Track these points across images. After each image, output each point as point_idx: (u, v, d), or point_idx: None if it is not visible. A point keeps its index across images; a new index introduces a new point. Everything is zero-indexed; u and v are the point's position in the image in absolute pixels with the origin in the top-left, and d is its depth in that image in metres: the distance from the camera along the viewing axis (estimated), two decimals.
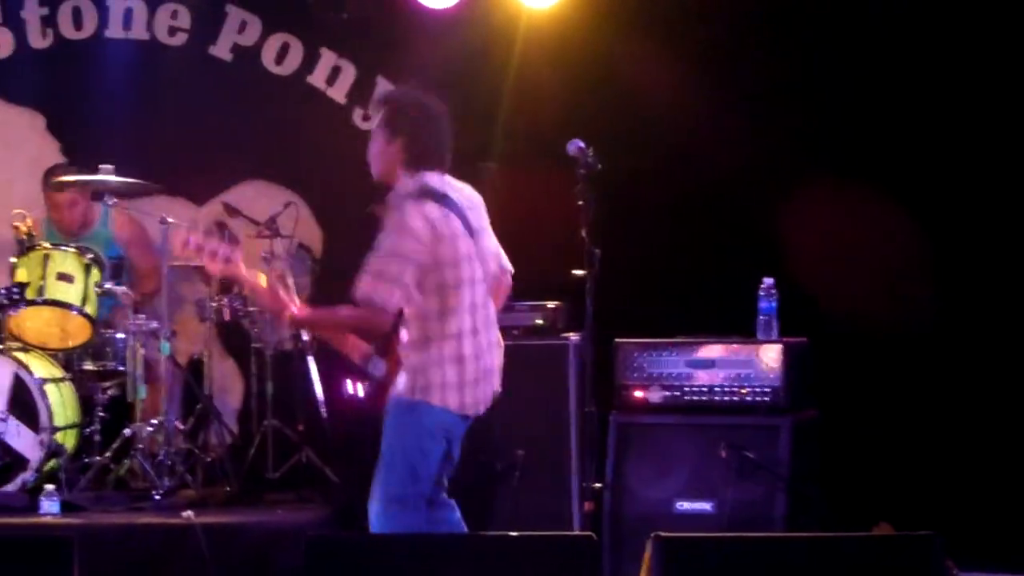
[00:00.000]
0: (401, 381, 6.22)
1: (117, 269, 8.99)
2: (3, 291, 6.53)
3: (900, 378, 8.49)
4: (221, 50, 9.86)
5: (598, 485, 7.09)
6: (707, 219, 8.87)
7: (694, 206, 8.86)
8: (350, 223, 9.51)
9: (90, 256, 8.65)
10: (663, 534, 5.31)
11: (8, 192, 9.63)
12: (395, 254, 6.14)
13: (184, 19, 9.87)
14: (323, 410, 8.72)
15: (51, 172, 9.24)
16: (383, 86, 9.71)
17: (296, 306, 6.28)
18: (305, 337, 8.81)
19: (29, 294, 8.47)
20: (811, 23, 8.81)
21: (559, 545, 5.74)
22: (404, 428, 6.23)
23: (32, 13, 9.86)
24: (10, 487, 8.23)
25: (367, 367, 6.20)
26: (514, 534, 5.84)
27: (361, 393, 6.29)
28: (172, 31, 9.88)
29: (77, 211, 9.19)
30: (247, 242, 9.34)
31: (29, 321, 8.56)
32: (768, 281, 7.95)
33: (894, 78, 8.68)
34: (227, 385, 9.63)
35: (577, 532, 7.12)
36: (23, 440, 8.25)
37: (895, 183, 8.53)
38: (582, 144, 6.75)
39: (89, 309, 8.54)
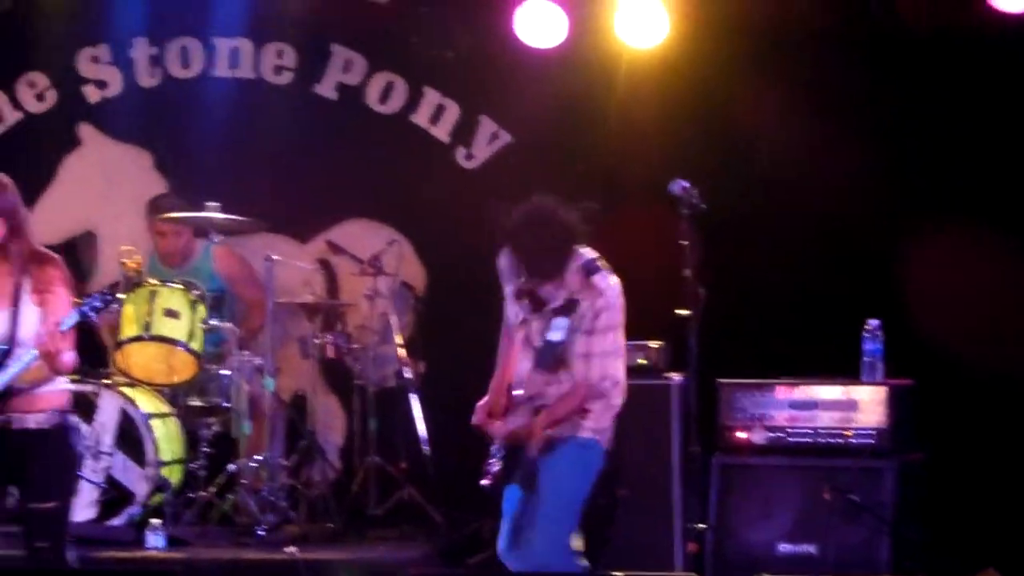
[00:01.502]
0: (582, 423, 6.31)
1: (218, 303, 9.07)
2: (98, 296, 6.56)
3: (1010, 421, 8.39)
4: (326, 89, 9.93)
5: (701, 526, 7.06)
6: (812, 260, 8.83)
7: (798, 247, 8.82)
8: (453, 261, 9.57)
9: (196, 292, 8.73)
10: None
11: (115, 229, 9.74)
12: (618, 327, 6.35)
13: (290, 58, 9.95)
14: (426, 448, 8.72)
15: (157, 201, 9.35)
16: (486, 125, 9.75)
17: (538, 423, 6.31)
18: (408, 375, 8.83)
19: (136, 330, 8.56)
20: (919, 62, 8.76)
21: None
22: (583, 466, 6.31)
23: (141, 52, 9.99)
24: (117, 521, 8.33)
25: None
26: (619, 575, 5.83)
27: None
28: (278, 70, 9.97)
29: (181, 241, 9.29)
30: (350, 280, 9.43)
31: (135, 356, 8.64)
32: (873, 323, 7.90)
33: (1008, 120, 8.61)
34: (330, 422, 9.67)
35: (680, 573, 7.09)
36: (130, 474, 8.34)
37: (1005, 225, 8.45)
38: (686, 184, 6.74)
39: (195, 345, 8.61)
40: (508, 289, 6.63)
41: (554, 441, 6.29)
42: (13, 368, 6.40)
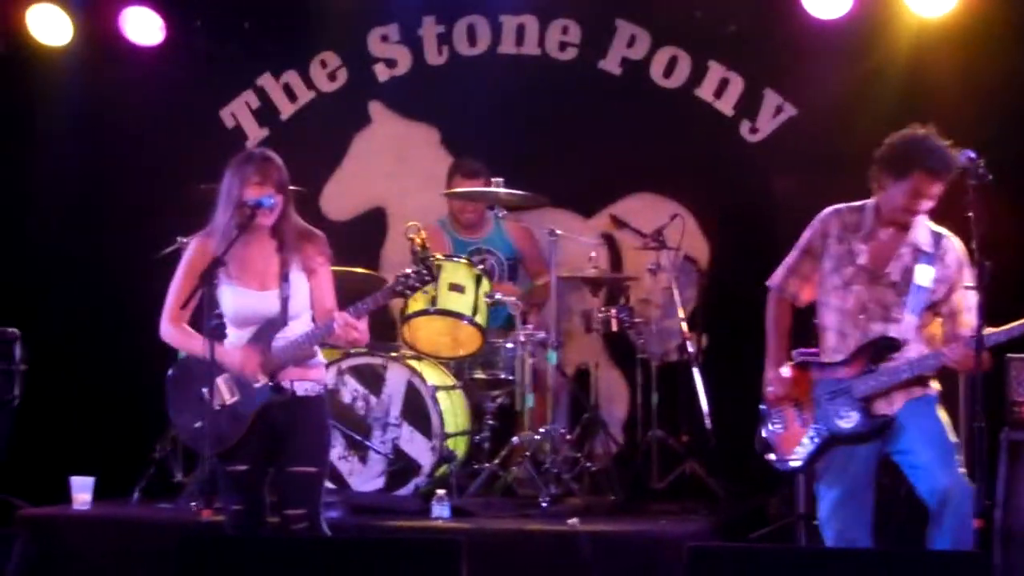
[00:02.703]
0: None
1: (513, 270, 9.16)
2: (413, 272, 6.68)
3: None
4: (611, 64, 9.95)
5: (988, 502, 6.90)
6: None
7: None
8: (737, 235, 9.52)
9: (481, 267, 8.83)
10: None
11: (403, 205, 9.93)
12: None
13: (575, 34, 10.00)
14: (708, 422, 8.68)
15: (458, 165, 9.50)
16: (771, 98, 9.66)
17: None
18: (691, 349, 8.81)
19: (422, 304, 8.69)
20: None
21: (950, 562, 5.63)
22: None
23: (429, 31, 10.16)
24: (403, 491, 8.46)
25: None
26: (906, 550, 5.75)
27: None
28: (563, 46, 10.03)
29: (480, 208, 9.41)
30: (633, 254, 9.45)
31: (422, 330, 8.77)
32: None
33: None
34: (613, 395, 9.72)
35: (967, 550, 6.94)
36: (416, 446, 8.47)
37: None
38: (973, 155, 6.58)
39: (479, 319, 8.71)
40: (836, 248, 6.62)
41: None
42: (300, 340, 6.59)
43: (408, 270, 6.74)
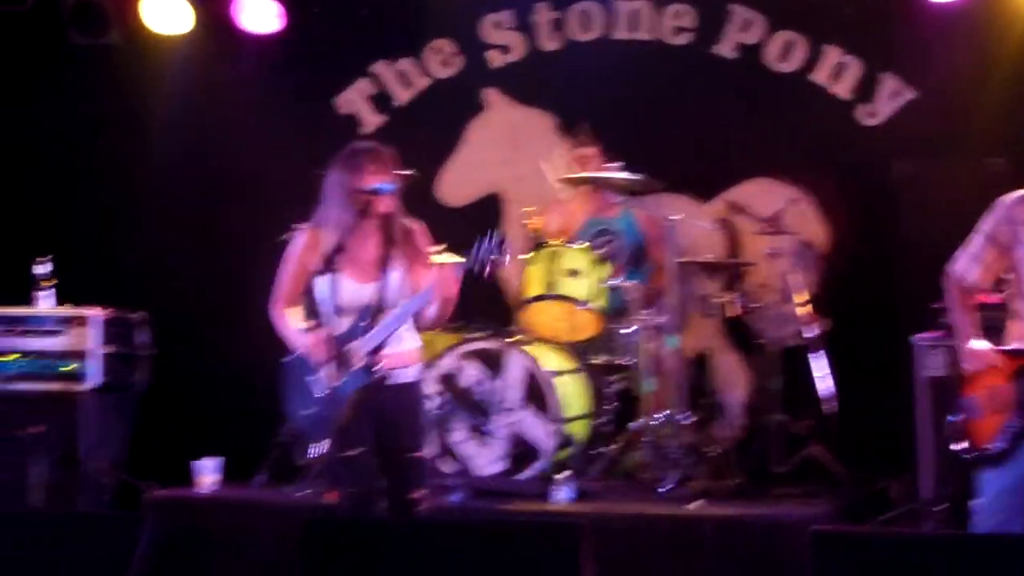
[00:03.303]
0: None
1: (638, 257, 9.17)
2: (487, 245, 6.70)
3: None
4: (725, 49, 9.93)
5: None
6: None
7: None
8: (855, 219, 9.48)
9: (602, 251, 8.83)
10: None
11: (519, 191, 9.96)
12: None
13: (689, 19, 9.99)
14: (829, 406, 8.64)
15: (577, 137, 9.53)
16: (889, 82, 9.60)
17: None
18: (809, 333, 8.77)
19: (540, 289, 8.72)
20: None
21: None
22: None
23: (543, 17, 10.19)
24: (525, 475, 8.48)
25: None
26: None
27: None
28: (677, 31, 10.02)
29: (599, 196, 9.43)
30: (751, 238, 9.42)
31: (540, 315, 8.80)
32: None
33: None
34: (732, 380, 9.71)
35: None
36: (536, 430, 8.49)
37: None
38: None
39: (597, 304, 8.71)
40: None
41: None
42: (393, 322, 6.70)
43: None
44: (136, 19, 10.14)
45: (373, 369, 6.69)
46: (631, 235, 9.28)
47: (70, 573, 5.79)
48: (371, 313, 6.71)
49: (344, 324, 6.72)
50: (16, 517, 6.86)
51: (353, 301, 6.72)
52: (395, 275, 6.76)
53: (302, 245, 6.84)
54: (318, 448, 6.68)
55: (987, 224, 6.48)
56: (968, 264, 6.47)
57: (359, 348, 6.67)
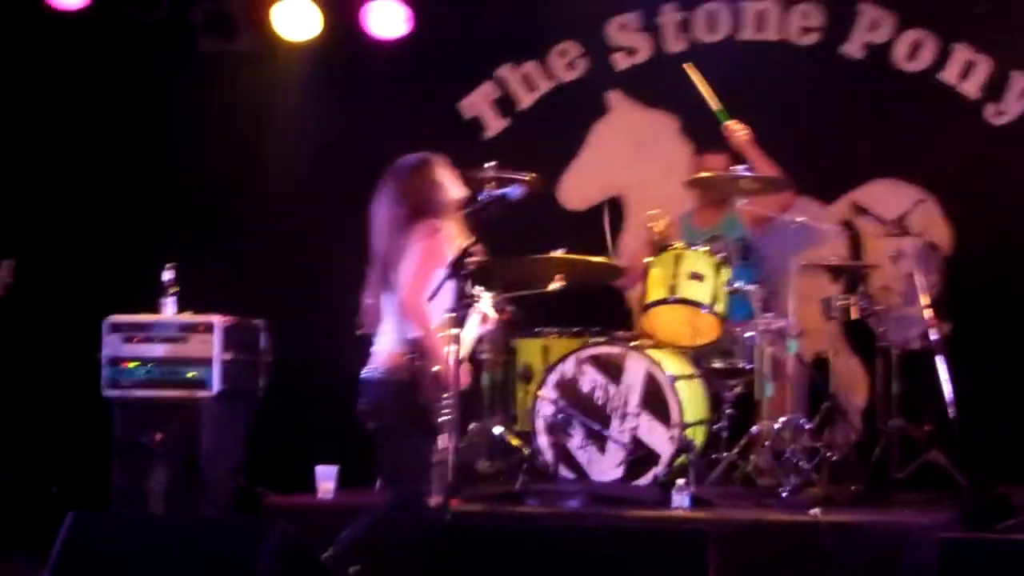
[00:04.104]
0: None
1: (745, 252, 9.14)
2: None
3: None
4: (853, 48, 9.83)
5: None
6: None
7: None
8: (982, 221, 9.35)
9: (721, 256, 8.80)
10: None
11: (642, 194, 9.94)
12: None
13: (817, 19, 9.91)
14: (952, 411, 8.53)
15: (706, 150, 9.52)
16: (1019, 81, 9.46)
17: None
18: (934, 336, 8.67)
19: (661, 293, 8.70)
20: None
21: None
22: None
23: (669, 19, 10.17)
24: (642, 480, 8.46)
25: None
26: None
27: None
28: (804, 31, 9.95)
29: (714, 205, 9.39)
30: (874, 241, 9.34)
31: (661, 319, 8.76)
32: None
33: None
34: (852, 384, 9.61)
35: None
36: (655, 435, 8.46)
37: None
38: None
39: (719, 308, 8.67)
40: None
41: None
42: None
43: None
44: (266, 26, 10.28)
45: None
46: (736, 232, 9.23)
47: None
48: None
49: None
50: (142, 521, 7.04)
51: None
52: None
53: (443, 244, 7.05)
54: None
55: None
56: None
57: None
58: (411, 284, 7.02)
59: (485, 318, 7.23)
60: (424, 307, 6.99)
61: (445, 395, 6.84)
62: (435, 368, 6.96)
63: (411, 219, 7.13)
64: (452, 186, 7.24)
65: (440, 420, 6.88)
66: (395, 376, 7.08)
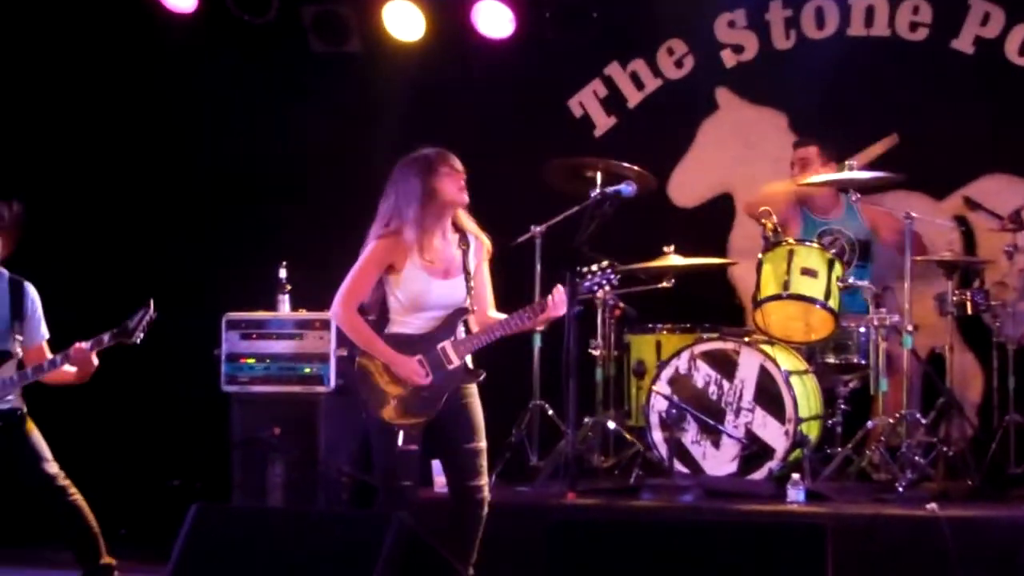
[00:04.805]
0: None
1: (864, 250, 9.12)
2: (600, 274, 7.05)
3: None
4: (963, 43, 9.78)
5: None
6: None
7: None
8: None
9: (834, 251, 8.79)
10: None
11: (751, 191, 9.93)
12: None
13: (926, 14, 9.87)
14: None
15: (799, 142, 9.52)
16: None
17: None
18: None
19: (774, 289, 8.70)
20: None
21: None
22: None
23: (776, 15, 10.15)
24: (757, 475, 8.48)
25: None
26: None
27: None
28: (913, 26, 9.90)
29: (833, 191, 9.38)
30: (988, 236, 9.29)
31: (774, 315, 8.75)
32: None
33: None
34: (967, 379, 9.55)
35: None
36: (769, 430, 8.47)
37: None
38: None
39: (832, 303, 8.65)
40: None
41: None
42: (499, 328, 7.12)
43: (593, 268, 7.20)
44: (377, 26, 10.36)
45: (471, 369, 7.14)
46: (855, 229, 9.22)
47: (317, 570, 5.98)
48: (461, 311, 7.10)
49: (421, 321, 7.07)
50: (263, 513, 7.14)
51: (436, 297, 7.06)
52: (473, 273, 7.13)
53: (381, 249, 7.10)
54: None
55: None
56: None
57: (453, 347, 7.05)
58: (343, 285, 7.15)
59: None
60: (344, 309, 7.12)
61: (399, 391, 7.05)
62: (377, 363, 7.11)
63: (385, 216, 7.18)
64: (452, 186, 7.19)
65: (388, 413, 7.11)
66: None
